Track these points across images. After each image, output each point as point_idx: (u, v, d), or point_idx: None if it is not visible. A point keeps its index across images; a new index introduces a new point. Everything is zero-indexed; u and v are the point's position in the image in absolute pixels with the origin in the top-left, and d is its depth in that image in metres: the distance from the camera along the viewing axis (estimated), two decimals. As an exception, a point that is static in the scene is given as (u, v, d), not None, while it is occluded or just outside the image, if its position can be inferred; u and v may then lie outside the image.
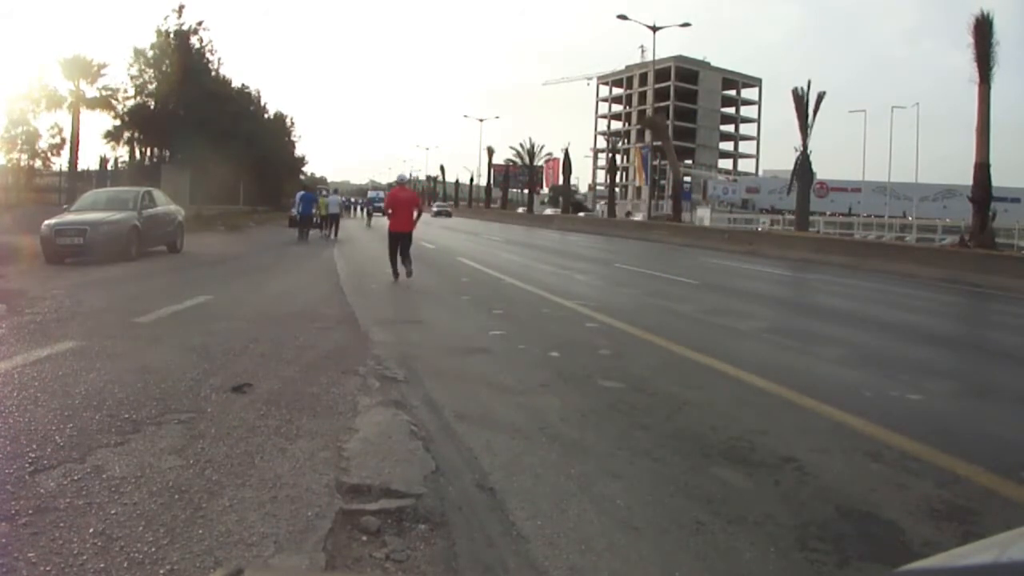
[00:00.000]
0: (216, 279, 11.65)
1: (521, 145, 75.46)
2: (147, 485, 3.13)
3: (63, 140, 28.19)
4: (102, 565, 2.45)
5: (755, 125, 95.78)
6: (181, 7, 32.08)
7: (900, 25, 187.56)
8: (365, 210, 43.16)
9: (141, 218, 14.59)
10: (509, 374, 5.53)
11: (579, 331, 7.67)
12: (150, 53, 31.78)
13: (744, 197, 62.34)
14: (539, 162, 75.89)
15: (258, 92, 45.87)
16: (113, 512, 2.85)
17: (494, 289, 11.43)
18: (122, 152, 33.65)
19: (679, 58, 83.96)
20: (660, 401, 4.91)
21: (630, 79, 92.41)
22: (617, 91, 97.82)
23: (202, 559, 2.52)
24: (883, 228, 42.11)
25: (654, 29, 39.48)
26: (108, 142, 32.31)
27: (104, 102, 30.34)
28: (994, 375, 6.85)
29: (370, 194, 58.24)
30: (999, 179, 23.05)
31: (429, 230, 33.20)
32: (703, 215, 47.98)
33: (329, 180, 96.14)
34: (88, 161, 38.39)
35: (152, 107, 31.96)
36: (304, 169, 60.53)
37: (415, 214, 12.02)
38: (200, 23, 33.18)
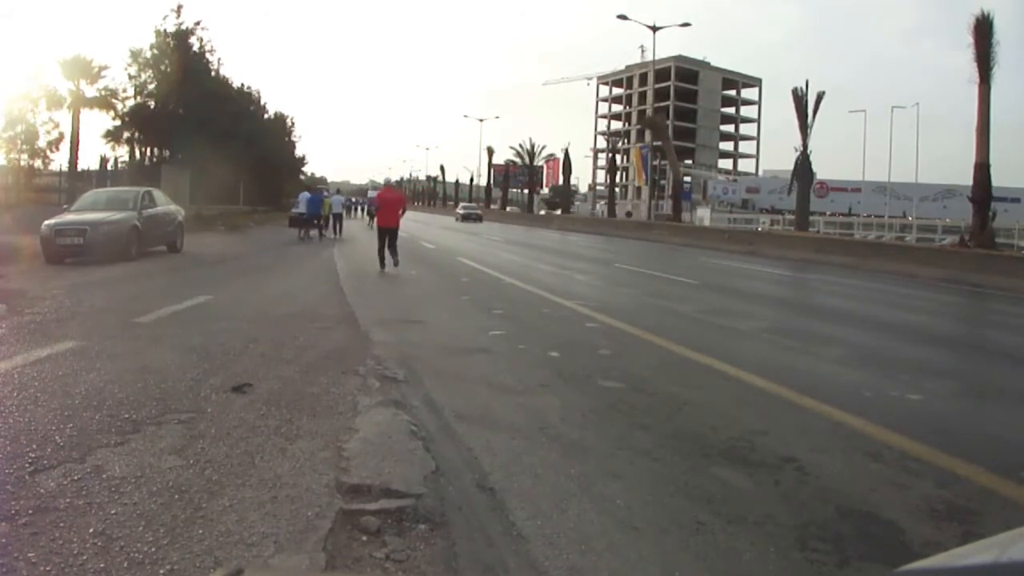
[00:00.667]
0: (216, 279, 11.65)
1: (521, 145, 75.45)
2: (147, 485, 3.13)
3: (61, 135, 28.19)
4: (102, 565, 2.45)
5: (755, 125, 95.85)
6: (179, 7, 32.08)
7: (900, 25, 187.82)
8: (366, 210, 43.12)
9: (141, 218, 14.59)
10: (509, 374, 5.53)
11: (579, 331, 7.67)
12: (149, 53, 31.77)
13: (744, 197, 62.35)
14: (539, 162, 75.91)
15: (258, 92, 45.93)
16: (113, 512, 2.85)
17: (494, 289, 11.43)
18: (122, 152, 33.66)
19: (679, 58, 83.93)
20: (660, 401, 4.91)
21: (630, 79, 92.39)
22: (617, 91, 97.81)
23: (202, 559, 2.52)
24: (883, 228, 42.10)
25: (654, 29, 39.50)
26: (108, 142, 32.33)
27: (104, 102, 30.34)
28: (994, 375, 6.85)
29: (370, 194, 58.08)
30: (999, 179, 23.07)
31: (429, 230, 33.22)
32: (703, 215, 48.00)
33: (329, 180, 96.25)
34: (88, 161, 38.40)
35: (152, 107, 31.94)
36: (304, 169, 60.57)
37: (400, 212, 13.82)
38: (198, 23, 33.16)
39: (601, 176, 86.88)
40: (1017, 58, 61.57)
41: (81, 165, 30.56)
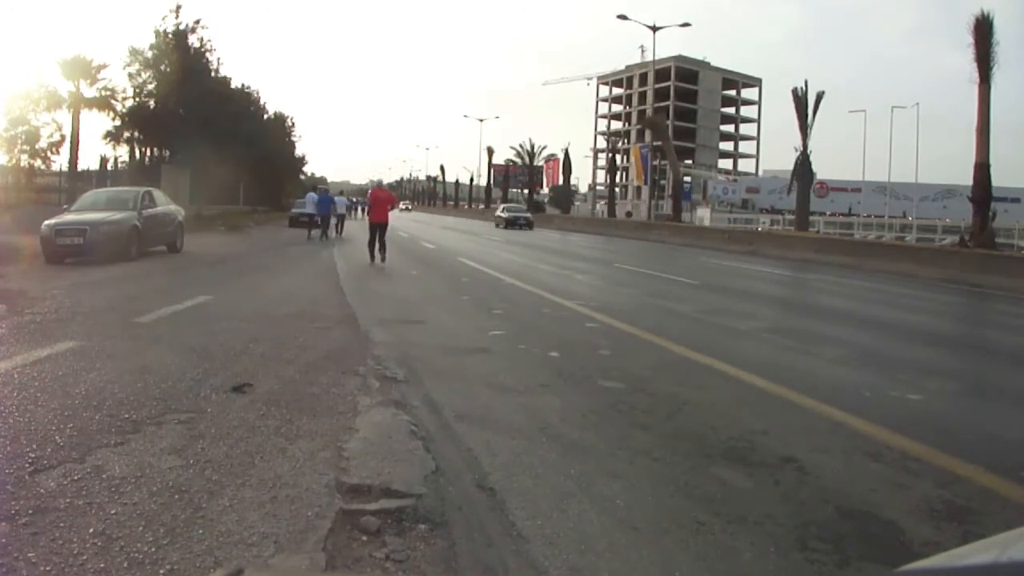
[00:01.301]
0: (216, 279, 11.65)
1: (521, 145, 75.58)
2: (147, 485, 3.13)
3: (62, 137, 28.19)
4: (102, 565, 2.45)
5: (755, 125, 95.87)
6: (179, 7, 32.10)
7: (900, 25, 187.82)
8: (366, 210, 43.09)
9: (141, 218, 14.58)
10: (509, 374, 5.53)
11: (579, 331, 7.67)
12: (149, 53, 31.76)
13: (744, 197, 62.36)
14: (539, 162, 75.90)
15: (258, 92, 45.95)
16: (113, 512, 2.85)
17: (494, 289, 11.43)
18: (122, 152, 33.72)
19: (679, 58, 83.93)
20: (660, 401, 4.91)
21: (630, 79, 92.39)
22: (617, 91, 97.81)
23: (202, 559, 2.52)
24: (883, 228, 42.12)
25: (654, 29, 39.50)
26: (108, 142, 32.35)
27: (104, 102, 30.33)
28: (994, 375, 6.85)
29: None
30: (999, 179, 23.06)
31: (430, 230, 33.24)
32: (703, 215, 48.00)
33: (329, 180, 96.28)
34: (88, 161, 38.42)
35: (152, 107, 31.94)
36: (304, 169, 60.55)
37: (389, 208, 16.13)
38: (198, 22, 33.18)
39: (601, 176, 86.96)
40: (1017, 58, 61.42)
41: (81, 165, 30.65)
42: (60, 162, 28.78)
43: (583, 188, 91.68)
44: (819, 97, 29.37)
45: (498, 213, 44.11)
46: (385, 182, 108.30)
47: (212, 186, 31.55)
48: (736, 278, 15.36)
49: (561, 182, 72.20)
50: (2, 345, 5.87)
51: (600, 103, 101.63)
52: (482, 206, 78.64)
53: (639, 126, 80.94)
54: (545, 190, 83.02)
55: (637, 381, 5.43)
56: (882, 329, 9.10)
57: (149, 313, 7.62)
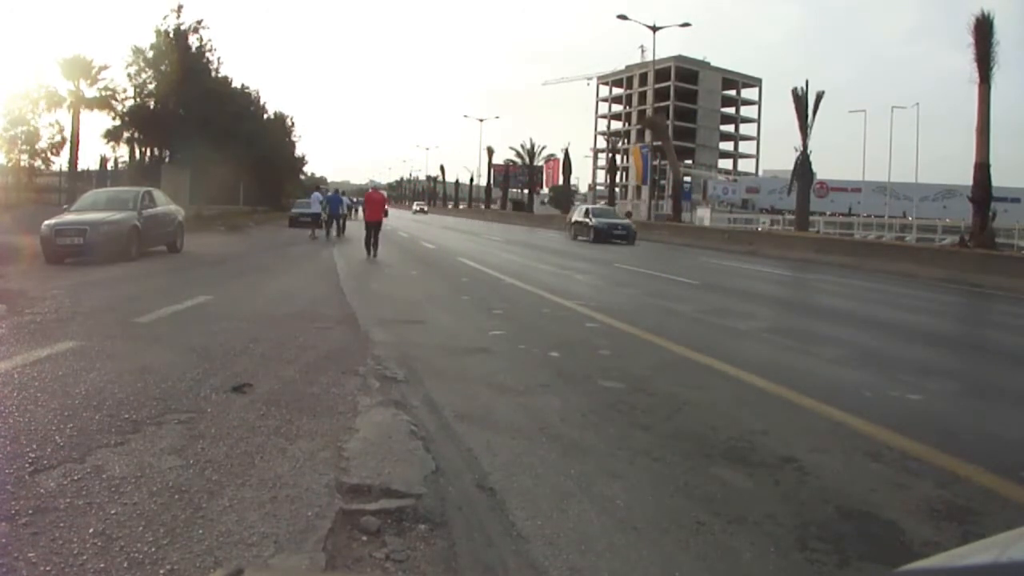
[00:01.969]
0: (216, 279, 11.65)
1: (521, 145, 75.47)
2: (147, 485, 3.13)
3: (63, 139, 28.19)
4: (102, 565, 2.45)
5: (755, 125, 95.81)
6: (180, 6, 32.07)
7: (900, 25, 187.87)
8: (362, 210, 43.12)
9: (141, 218, 14.58)
10: (509, 374, 5.53)
11: (579, 331, 7.67)
12: (150, 53, 31.75)
13: (744, 197, 62.37)
14: (539, 162, 75.90)
15: (258, 92, 45.91)
16: (113, 512, 2.84)
17: (494, 289, 11.43)
18: (122, 152, 33.69)
19: (679, 58, 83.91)
20: (660, 401, 4.91)
21: (630, 79, 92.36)
22: (617, 91, 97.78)
23: (202, 559, 2.52)
24: (883, 228, 42.12)
25: (654, 29, 39.49)
26: (108, 142, 32.32)
27: (104, 102, 30.33)
28: (994, 375, 6.85)
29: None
30: (999, 179, 23.09)
31: (430, 230, 33.24)
32: (703, 215, 48.02)
33: (329, 180, 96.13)
34: (88, 161, 38.43)
35: (152, 107, 31.94)
36: (304, 169, 60.52)
37: (384, 209, 17.69)
38: (199, 22, 33.15)
39: (601, 176, 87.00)
40: (1017, 58, 61.40)
41: (81, 165, 30.64)
42: (60, 162, 28.83)
43: (583, 188, 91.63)
44: (819, 97, 29.45)
45: (576, 218, 28.76)
46: (385, 182, 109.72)
47: (212, 186, 31.53)
48: (736, 278, 15.36)
49: (561, 182, 72.26)
50: (2, 345, 5.87)
51: (600, 103, 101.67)
52: (482, 206, 78.68)
53: (639, 126, 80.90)
54: (545, 190, 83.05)
55: (637, 381, 5.43)
56: (882, 329, 9.10)
57: (149, 313, 7.62)
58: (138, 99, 31.89)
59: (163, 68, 31.37)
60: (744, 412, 4.71)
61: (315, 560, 2.58)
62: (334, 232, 24.52)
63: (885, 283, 15.49)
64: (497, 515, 3.01)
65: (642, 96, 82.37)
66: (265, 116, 46.57)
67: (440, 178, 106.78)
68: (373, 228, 16.81)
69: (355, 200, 45.92)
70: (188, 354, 5.72)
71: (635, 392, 5.10)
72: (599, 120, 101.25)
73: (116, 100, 30.94)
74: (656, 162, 56.43)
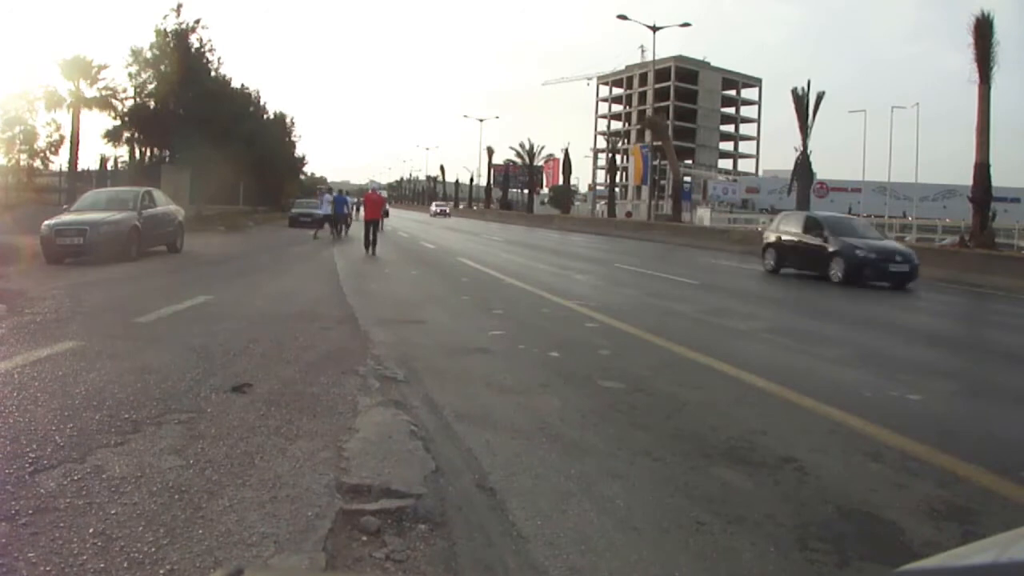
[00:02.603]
0: (216, 279, 11.65)
1: (521, 145, 75.35)
2: (147, 485, 3.13)
3: (62, 138, 28.16)
4: (102, 565, 2.45)
5: (755, 125, 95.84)
6: (179, 6, 32.00)
7: (900, 25, 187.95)
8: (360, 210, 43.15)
9: (141, 218, 14.57)
10: (509, 374, 5.53)
11: (579, 331, 7.67)
12: (149, 53, 31.72)
13: (744, 197, 62.38)
14: (539, 162, 75.87)
15: (258, 92, 45.82)
16: (113, 512, 2.84)
17: (494, 289, 11.43)
18: (122, 152, 33.64)
19: (679, 58, 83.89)
20: (660, 401, 4.91)
21: (630, 79, 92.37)
22: (617, 91, 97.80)
23: (202, 559, 2.52)
24: (883, 228, 42.05)
25: (654, 29, 39.45)
26: (108, 142, 32.27)
27: (104, 102, 30.28)
28: (994, 375, 6.85)
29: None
30: (999, 179, 23.10)
31: (430, 230, 33.23)
32: (703, 215, 48.02)
33: (329, 180, 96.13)
34: (88, 161, 38.31)
35: (152, 107, 31.89)
36: (304, 169, 60.47)
37: (383, 209, 19.88)
38: (198, 21, 33.04)
39: (601, 176, 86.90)
40: (1017, 58, 61.52)
41: (81, 165, 30.58)
42: (60, 162, 28.80)
43: (583, 188, 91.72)
44: (819, 97, 29.49)
45: (784, 232, 16.16)
46: (385, 182, 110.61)
47: (212, 186, 31.49)
48: (736, 278, 15.36)
49: (561, 182, 72.21)
50: (2, 345, 5.86)
51: (600, 103, 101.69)
52: (482, 205, 78.68)
53: (639, 126, 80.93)
54: (545, 190, 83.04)
55: (637, 381, 5.43)
56: (882, 329, 9.10)
57: (149, 313, 7.62)
58: (138, 99, 31.84)
59: (163, 68, 31.31)
60: (744, 412, 4.71)
61: (315, 560, 2.58)
62: (343, 232, 24.61)
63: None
64: (497, 515, 3.01)
65: (642, 96, 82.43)
66: (265, 116, 46.50)
67: (440, 178, 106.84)
68: (372, 226, 18.07)
69: (354, 200, 45.96)
70: (188, 354, 5.71)
71: (635, 392, 5.10)
72: (599, 120, 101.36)
73: (116, 100, 30.92)
74: (656, 162, 56.40)
